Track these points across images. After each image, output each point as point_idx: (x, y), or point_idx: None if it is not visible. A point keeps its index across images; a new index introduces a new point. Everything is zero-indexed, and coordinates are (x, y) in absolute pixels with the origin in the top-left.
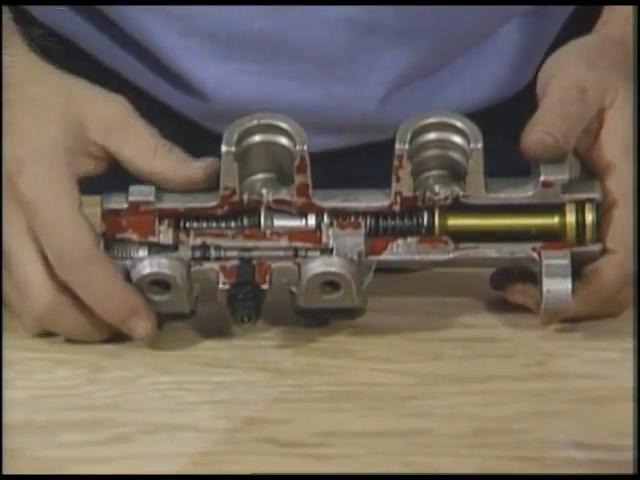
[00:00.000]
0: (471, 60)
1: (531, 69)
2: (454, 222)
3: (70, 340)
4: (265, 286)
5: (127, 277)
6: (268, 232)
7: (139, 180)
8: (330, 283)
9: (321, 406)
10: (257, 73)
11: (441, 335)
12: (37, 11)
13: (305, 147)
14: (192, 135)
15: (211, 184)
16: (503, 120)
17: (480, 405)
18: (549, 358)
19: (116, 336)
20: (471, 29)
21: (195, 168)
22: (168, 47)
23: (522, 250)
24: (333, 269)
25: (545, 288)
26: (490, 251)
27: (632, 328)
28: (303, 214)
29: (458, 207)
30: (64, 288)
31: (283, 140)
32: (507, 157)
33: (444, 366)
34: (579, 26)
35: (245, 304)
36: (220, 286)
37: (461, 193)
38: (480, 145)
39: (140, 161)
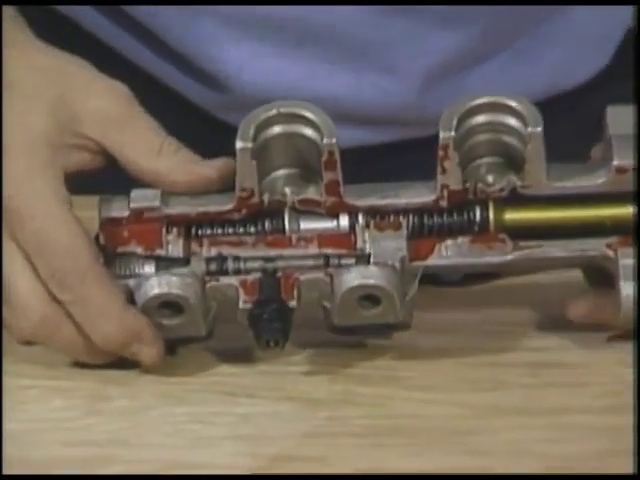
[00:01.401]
0: (524, 48)
1: (600, 57)
2: (512, 217)
3: (68, 364)
4: (293, 303)
5: (131, 298)
6: (294, 238)
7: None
8: (369, 297)
9: (360, 442)
10: (278, 56)
11: (501, 359)
12: None
13: (334, 140)
14: (206, 128)
15: (224, 187)
16: (567, 111)
17: (547, 442)
18: (627, 387)
19: (121, 359)
20: (525, 13)
21: (208, 168)
22: (178, 28)
23: (594, 247)
24: (371, 281)
25: (624, 293)
26: (556, 250)
27: None
28: (334, 215)
29: (516, 199)
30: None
31: (308, 131)
32: (565, 154)
33: (505, 396)
34: None
35: (271, 326)
36: (241, 305)
37: (519, 183)
38: (540, 129)
39: (142, 161)
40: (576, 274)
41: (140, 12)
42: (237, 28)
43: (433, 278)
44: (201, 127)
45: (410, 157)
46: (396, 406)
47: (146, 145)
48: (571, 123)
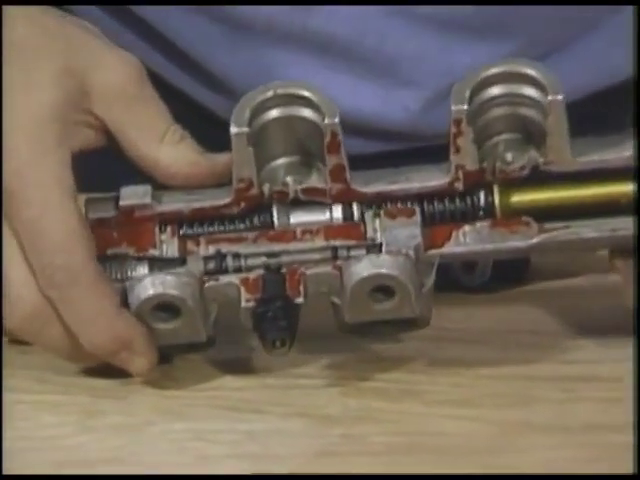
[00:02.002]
0: (566, 53)
1: None
2: (534, 197)
3: (58, 377)
4: (300, 299)
5: (125, 302)
6: (298, 230)
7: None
8: (381, 288)
9: (377, 461)
10: (297, 64)
11: (532, 372)
12: None
13: (336, 120)
14: (214, 130)
15: (226, 183)
16: (606, 109)
17: (581, 462)
18: None
19: (116, 370)
20: (565, 24)
21: (211, 161)
22: (188, 31)
23: (626, 226)
24: (384, 270)
25: None
26: (585, 230)
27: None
28: (341, 204)
29: (538, 178)
30: None
31: (307, 113)
32: None
33: (534, 412)
34: None
35: (276, 324)
36: (243, 304)
37: (541, 160)
38: (561, 96)
39: (143, 146)
40: (613, 279)
41: (149, 14)
42: (255, 34)
43: (455, 283)
44: (208, 128)
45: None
46: (415, 422)
47: (149, 129)
48: (610, 121)
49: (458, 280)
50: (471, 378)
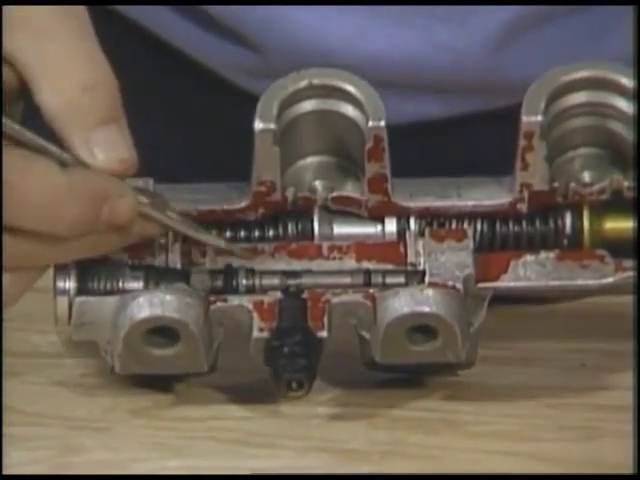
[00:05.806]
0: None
1: None
2: (614, 226)
3: (28, 406)
4: (323, 333)
5: (114, 317)
6: (325, 247)
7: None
8: (422, 328)
9: None
10: (320, 6)
11: (600, 400)
12: None
13: (382, 123)
14: (226, 99)
15: None
16: None
17: None
18: None
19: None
20: None
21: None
22: None
23: None
24: (427, 309)
25: None
26: None
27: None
28: (378, 218)
29: (620, 205)
30: None
31: (348, 110)
32: None
33: (603, 448)
34: None
35: (293, 362)
36: (255, 334)
37: (625, 184)
38: None
39: (45, 91)
40: None
41: None
42: None
43: None
44: (220, 97)
45: (483, 134)
46: (458, 459)
47: (58, 64)
48: None
49: None
50: (527, 407)
